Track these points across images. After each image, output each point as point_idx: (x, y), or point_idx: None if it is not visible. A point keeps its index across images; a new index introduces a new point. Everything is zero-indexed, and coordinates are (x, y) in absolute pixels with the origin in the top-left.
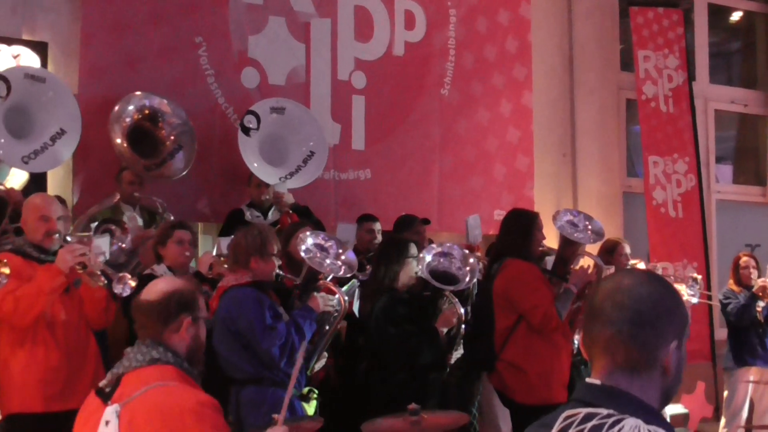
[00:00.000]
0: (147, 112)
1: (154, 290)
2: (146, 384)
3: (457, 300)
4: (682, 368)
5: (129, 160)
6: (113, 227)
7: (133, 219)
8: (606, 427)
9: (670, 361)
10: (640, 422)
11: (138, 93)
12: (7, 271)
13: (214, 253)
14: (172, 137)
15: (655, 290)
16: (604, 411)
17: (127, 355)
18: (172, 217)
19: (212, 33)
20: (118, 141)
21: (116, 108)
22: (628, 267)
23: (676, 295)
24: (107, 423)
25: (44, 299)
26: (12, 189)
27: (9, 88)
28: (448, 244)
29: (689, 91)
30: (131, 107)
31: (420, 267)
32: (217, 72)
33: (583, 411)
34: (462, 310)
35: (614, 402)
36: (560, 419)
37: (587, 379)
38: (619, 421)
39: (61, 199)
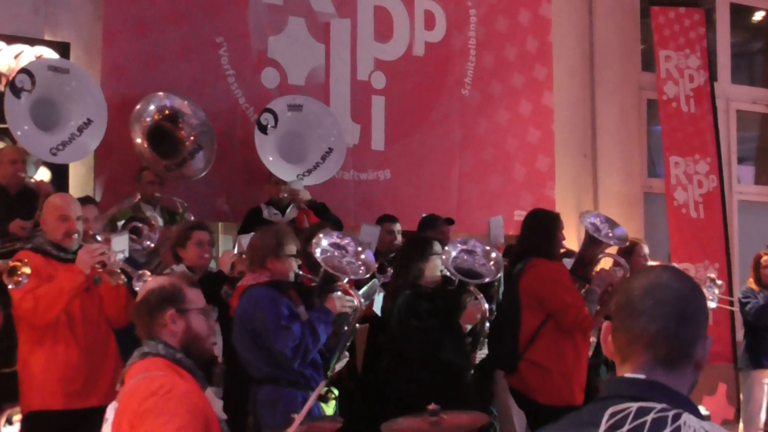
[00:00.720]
0: (167, 112)
1: (141, 292)
2: (134, 377)
3: (482, 295)
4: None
5: (149, 160)
6: (140, 225)
7: (154, 219)
8: (670, 420)
9: (703, 356)
10: (693, 417)
11: (159, 93)
12: (28, 271)
13: (235, 251)
14: (192, 137)
15: (691, 287)
16: (658, 405)
17: (133, 355)
18: (192, 217)
19: (232, 33)
20: (139, 141)
21: (137, 108)
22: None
23: (702, 292)
24: (107, 420)
25: (64, 299)
26: (42, 181)
27: (34, 82)
28: (472, 242)
29: (711, 91)
30: (152, 107)
31: (445, 260)
32: (238, 72)
33: (634, 405)
34: (486, 306)
35: (663, 396)
36: (606, 415)
37: (627, 375)
38: (679, 415)
39: (92, 201)
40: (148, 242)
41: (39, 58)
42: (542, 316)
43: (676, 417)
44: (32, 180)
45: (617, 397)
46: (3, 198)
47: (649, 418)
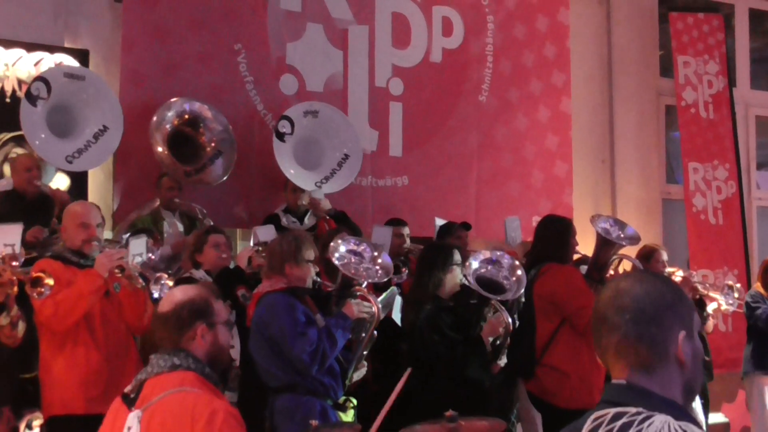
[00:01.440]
0: (187, 117)
1: (168, 301)
2: (165, 389)
3: (504, 308)
4: (699, 358)
5: (169, 165)
6: (146, 237)
7: (174, 225)
8: (636, 423)
9: (682, 352)
10: (669, 418)
11: (178, 99)
12: (51, 282)
13: (251, 244)
14: (213, 143)
15: (652, 287)
16: (633, 409)
17: (151, 362)
18: (211, 223)
19: (251, 40)
20: (159, 149)
21: (155, 117)
22: (665, 274)
23: (677, 288)
24: (129, 429)
25: (84, 303)
26: (58, 189)
27: (49, 90)
28: (498, 252)
29: (730, 97)
30: (171, 113)
31: (466, 274)
32: (256, 79)
33: (612, 410)
34: (510, 320)
35: (642, 400)
36: (589, 421)
37: (613, 380)
38: (649, 417)
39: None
40: (150, 255)
41: (58, 65)
42: (557, 320)
43: (644, 420)
44: (48, 187)
45: (603, 402)
46: (19, 205)
47: (619, 422)
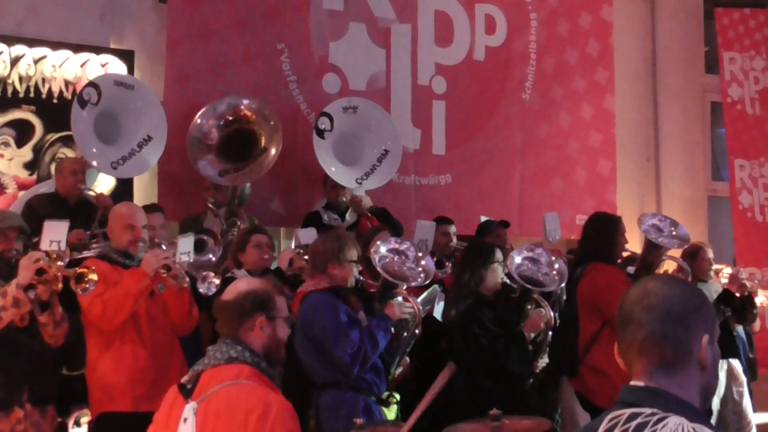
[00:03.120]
0: (229, 117)
1: (232, 290)
2: (221, 382)
3: (546, 303)
4: (717, 364)
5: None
6: (205, 238)
7: (217, 225)
8: (650, 425)
9: (705, 355)
10: (683, 420)
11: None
12: (95, 277)
13: (293, 246)
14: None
15: (680, 289)
16: (648, 410)
17: (208, 353)
18: (256, 221)
19: (294, 39)
20: (208, 161)
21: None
22: (711, 272)
23: (701, 293)
24: (185, 420)
25: (131, 302)
26: (102, 194)
27: (100, 95)
28: (537, 250)
29: None
30: (210, 121)
31: (509, 266)
32: (299, 78)
33: (627, 411)
34: (552, 314)
35: (657, 401)
36: (605, 421)
37: (630, 383)
38: (663, 418)
39: (159, 208)
40: (211, 255)
41: (104, 66)
42: (599, 321)
43: (659, 421)
44: (91, 192)
45: (619, 403)
46: (62, 208)
47: (634, 423)
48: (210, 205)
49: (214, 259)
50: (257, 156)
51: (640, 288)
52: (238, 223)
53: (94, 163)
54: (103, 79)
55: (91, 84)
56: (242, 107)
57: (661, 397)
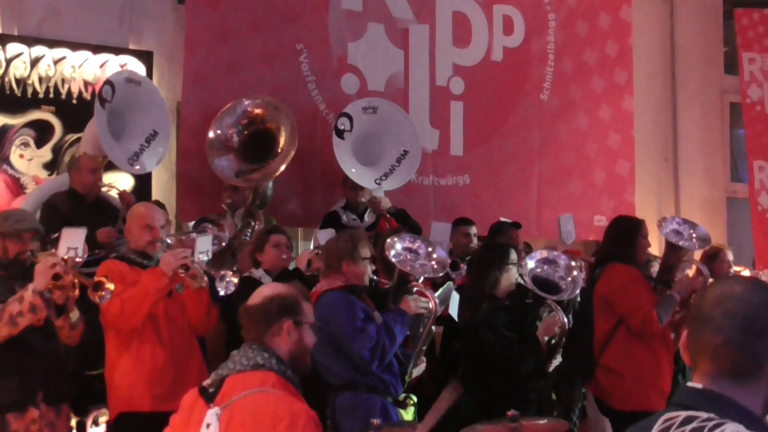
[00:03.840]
0: (244, 120)
1: (258, 295)
2: (246, 389)
3: (559, 308)
4: None
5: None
6: (209, 226)
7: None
8: (706, 429)
9: None
10: (741, 427)
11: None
12: (112, 287)
13: (312, 247)
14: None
15: (764, 299)
16: (704, 414)
17: (233, 358)
18: (274, 222)
19: (313, 40)
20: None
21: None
22: (731, 274)
23: None
24: (208, 426)
25: (149, 301)
26: (125, 191)
27: (114, 93)
28: (555, 252)
29: None
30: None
31: (523, 272)
32: (318, 78)
33: (683, 414)
34: (565, 319)
35: (715, 406)
36: (659, 422)
37: (688, 384)
38: (720, 425)
39: (161, 205)
40: (222, 243)
41: (123, 66)
42: (613, 320)
43: (715, 427)
44: (116, 190)
45: (675, 405)
46: (80, 206)
47: (689, 427)
48: (225, 206)
49: (224, 244)
50: (273, 157)
51: (724, 289)
52: (253, 223)
53: (114, 159)
54: (116, 77)
55: (107, 82)
56: (256, 109)
57: (721, 402)
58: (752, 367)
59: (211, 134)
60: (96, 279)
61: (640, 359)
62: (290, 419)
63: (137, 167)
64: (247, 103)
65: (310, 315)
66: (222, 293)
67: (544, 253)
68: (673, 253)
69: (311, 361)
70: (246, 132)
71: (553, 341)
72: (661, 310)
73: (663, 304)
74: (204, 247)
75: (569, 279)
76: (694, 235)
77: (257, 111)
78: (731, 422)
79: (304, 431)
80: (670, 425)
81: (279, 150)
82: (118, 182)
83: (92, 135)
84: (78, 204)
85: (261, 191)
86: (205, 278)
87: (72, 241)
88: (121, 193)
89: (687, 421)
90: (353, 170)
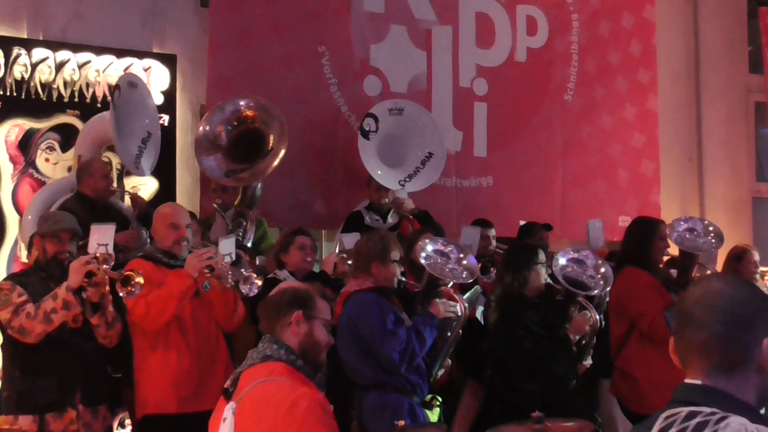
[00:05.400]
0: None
1: (275, 289)
2: (255, 380)
3: (591, 306)
4: None
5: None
6: (244, 222)
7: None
8: (711, 423)
9: (765, 359)
10: (746, 421)
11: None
12: (141, 281)
13: (337, 250)
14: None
15: (744, 291)
16: (707, 409)
17: (249, 355)
18: (265, 223)
19: (335, 42)
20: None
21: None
22: (757, 275)
23: (764, 295)
24: (225, 420)
25: (175, 303)
26: (137, 194)
27: (119, 96)
28: (584, 252)
29: None
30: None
31: (554, 268)
32: (340, 80)
33: (685, 410)
34: (597, 317)
35: (716, 401)
36: (660, 419)
37: (686, 380)
38: (724, 418)
39: (192, 215)
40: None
41: (147, 70)
42: (627, 324)
43: (720, 420)
44: (127, 192)
45: (675, 402)
46: (91, 211)
47: (693, 422)
48: (216, 207)
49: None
50: (263, 156)
51: (703, 287)
52: (244, 224)
53: (125, 163)
54: (121, 80)
55: (116, 86)
56: (243, 108)
57: (720, 396)
58: (741, 357)
59: (200, 129)
60: (125, 273)
61: (654, 363)
62: (291, 403)
63: (141, 170)
64: (240, 103)
65: (324, 312)
66: (246, 294)
67: (573, 252)
68: (687, 255)
69: (326, 359)
70: (235, 132)
71: (584, 341)
72: (671, 315)
73: (673, 308)
74: (227, 249)
75: (598, 276)
76: (710, 228)
77: (248, 113)
78: (735, 415)
79: (306, 413)
80: (672, 422)
81: (268, 149)
82: (142, 185)
83: (94, 138)
84: (89, 208)
85: (250, 191)
86: (230, 280)
87: (101, 238)
88: (134, 196)
89: (690, 416)
90: (378, 171)
